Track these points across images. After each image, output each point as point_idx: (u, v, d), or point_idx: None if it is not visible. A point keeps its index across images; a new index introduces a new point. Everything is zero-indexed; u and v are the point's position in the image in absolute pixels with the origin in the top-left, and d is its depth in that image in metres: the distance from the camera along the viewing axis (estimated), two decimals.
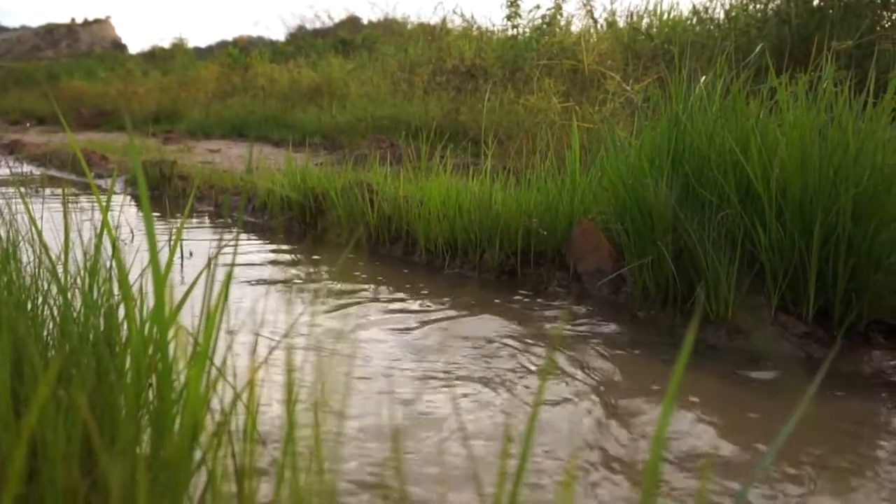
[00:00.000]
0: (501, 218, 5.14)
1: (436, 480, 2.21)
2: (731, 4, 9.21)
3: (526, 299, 4.62)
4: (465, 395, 2.99)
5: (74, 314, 1.57)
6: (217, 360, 1.34)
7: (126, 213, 7.65)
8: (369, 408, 2.76)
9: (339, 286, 4.87)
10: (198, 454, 1.27)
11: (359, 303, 4.45)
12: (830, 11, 7.23)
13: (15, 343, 1.32)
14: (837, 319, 3.63)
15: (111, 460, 1.00)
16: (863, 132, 3.54)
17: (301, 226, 7.01)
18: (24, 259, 1.84)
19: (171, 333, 1.28)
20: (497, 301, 4.56)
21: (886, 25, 7.09)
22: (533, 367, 3.38)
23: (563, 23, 13.18)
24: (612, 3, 20.32)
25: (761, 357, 3.54)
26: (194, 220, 7.67)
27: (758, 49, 5.68)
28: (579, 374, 3.31)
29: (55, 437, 1.10)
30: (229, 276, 1.39)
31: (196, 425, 1.23)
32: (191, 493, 1.29)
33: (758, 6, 8.40)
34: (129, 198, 9.41)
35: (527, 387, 3.12)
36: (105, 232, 1.62)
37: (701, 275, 3.93)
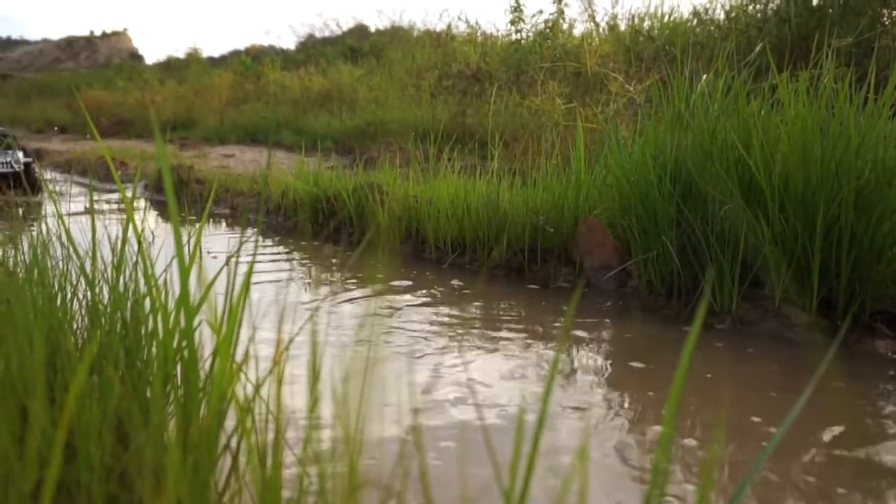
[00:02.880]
0: (508, 216, 5.15)
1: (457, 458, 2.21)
2: (731, 5, 9.19)
3: (534, 293, 4.62)
4: (480, 384, 2.99)
5: (102, 307, 1.58)
6: (241, 348, 1.35)
7: (146, 217, 7.66)
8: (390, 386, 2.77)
9: (353, 281, 4.88)
10: (223, 438, 1.27)
11: (372, 295, 4.45)
12: (830, 10, 7.20)
13: (48, 334, 1.32)
14: (841, 310, 3.62)
15: (145, 441, 1.00)
16: (863, 126, 3.53)
17: (314, 226, 7.03)
18: (56, 255, 1.85)
19: (196, 322, 1.28)
20: (506, 294, 4.57)
21: (886, 23, 7.06)
22: (543, 351, 3.38)
23: (565, 27, 13.18)
24: (613, 7, 20.37)
25: (765, 346, 3.54)
26: (210, 223, 7.68)
27: (758, 48, 5.67)
28: (590, 353, 3.31)
29: (90, 418, 1.11)
30: (251, 269, 1.39)
31: (221, 411, 1.23)
32: (217, 476, 1.29)
33: (757, 6, 8.38)
34: (147, 202, 9.45)
35: (537, 364, 3.12)
36: (130, 230, 1.63)
37: (705, 268, 3.92)
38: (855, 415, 2.74)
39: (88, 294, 1.61)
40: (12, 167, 10.16)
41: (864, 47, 6.27)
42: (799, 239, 3.62)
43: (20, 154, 11.02)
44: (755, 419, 2.68)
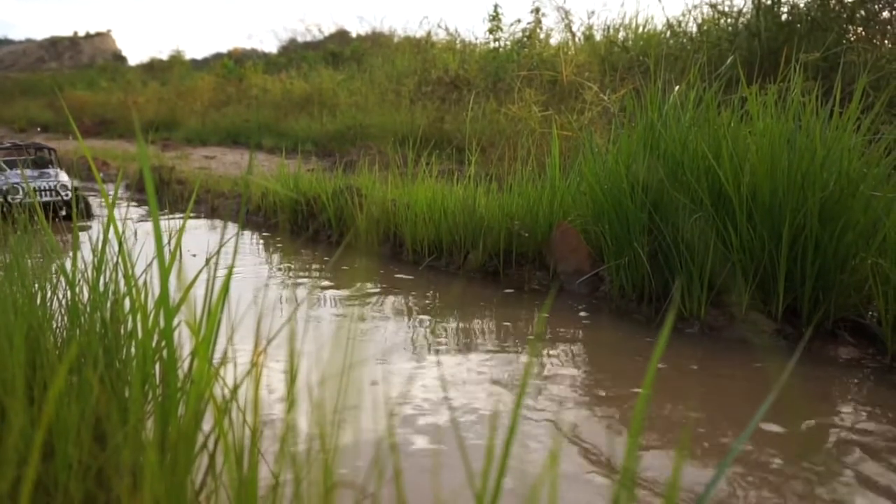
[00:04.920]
0: (485, 221, 5.15)
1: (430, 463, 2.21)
2: (703, 18, 9.24)
3: (508, 296, 4.63)
4: (454, 385, 2.99)
5: (82, 306, 1.57)
6: (220, 347, 1.34)
7: (128, 216, 7.61)
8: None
9: (332, 282, 4.88)
10: (201, 437, 1.26)
11: (349, 296, 4.45)
12: (798, 25, 7.25)
13: (27, 334, 1.31)
14: (805, 317, 3.65)
15: (123, 440, 0.99)
16: (829, 139, 3.56)
17: (293, 227, 7.01)
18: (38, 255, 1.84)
19: (175, 322, 1.28)
20: (481, 297, 4.58)
21: (852, 38, 7.13)
22: (516, 353, 3.38)
23: (542, 36, 13.19)
24: (589, 17, 20.34)
25: (731, 352, 3.56)
26: (191, 222, 7.64)
27: (729, 61, 5.70)
28: (561, 356, 3.32)
29: (69, 417, 1.10)
30: (231, 270, 1.39)
31: (199, 411, 1.22)
32: (194, 475, 1.28)
33: (729, 20, 8.42)
34: (129, 202, 9.38)
35: (510, 366, 3.13)
36: (111, 230, 1.62)
37: (675, 275, 3.94)
38: (816, 419, 2.76)
39: (68, 294, 1.60)
40: (58, 194, 7.35)
41: (831, 62, 6.32)
42: (766, 248, 3.64)
43: (64, 175, 8.25)
44: (719, 420, 2.70)
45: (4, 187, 6.75)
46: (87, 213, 8.05)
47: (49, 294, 1.71)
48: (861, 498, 2.17)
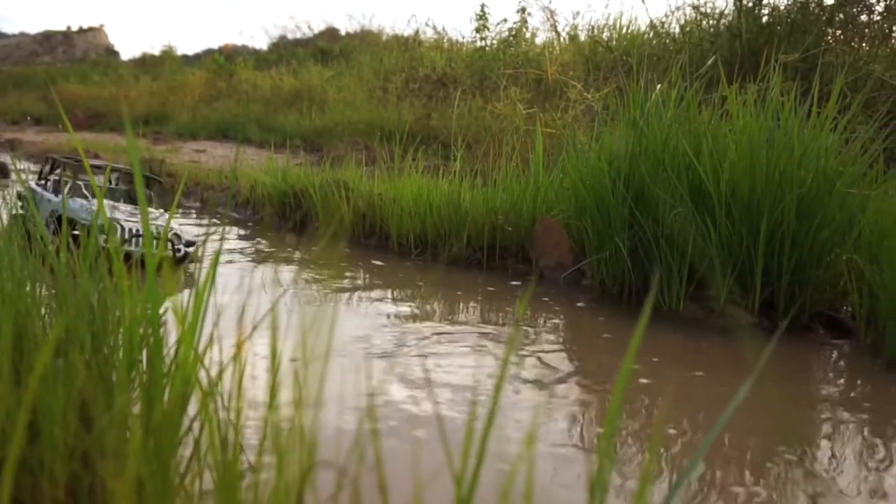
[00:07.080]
0: (469, 215, 5.17)
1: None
2: (685, 20, 9.25)
3: (491, 287, 4.64)
4: (437, 373, 2.99)
5: (70, 294, 1.55)
6: (205, 330, 1.33)
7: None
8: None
9: (317, 271, 4.86)
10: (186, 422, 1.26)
11: (334, 285, 4.45)
12: (778, 27, 7.28)
13: (16, 318, 1.30)
14: (782, 311, 3.67)
15: (109, 423, 0.99)
16: (807, 138, 3.58)
17: (281, 220, 7.00)
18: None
19: (162, 309, 1.27)
20: (464, 288, 4.58)
21: (830, 41, 7.17)
22: (495, 346, 3.38)
23: (528, 35, 13.21)
24: (574, 17, 20.33)
25: (709, 344, 3.57)
26: (181, 215, 7.61)
27: (710, 61, 5.72)
28: (540, 347, 3.32)
29: (55, 399, 1.09)
30: (217, 257, 1.38)
31: (185, 395, 1.22)
32: (178, 459, 1.28)
33: (710, 21, 8.44)
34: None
35: (489, 356, 3.12)
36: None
37: (655, 268, 3.96)
38: (795, 408, 2.78)
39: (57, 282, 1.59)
40: (171, 244, 4.51)
41: (810, 63, 6.34)
42: (744, 243, 3.66)
43: (174, 224, 5.01)
44: (693, 414, 2.71)
45: (89, 220, 4.10)
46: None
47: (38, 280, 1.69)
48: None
